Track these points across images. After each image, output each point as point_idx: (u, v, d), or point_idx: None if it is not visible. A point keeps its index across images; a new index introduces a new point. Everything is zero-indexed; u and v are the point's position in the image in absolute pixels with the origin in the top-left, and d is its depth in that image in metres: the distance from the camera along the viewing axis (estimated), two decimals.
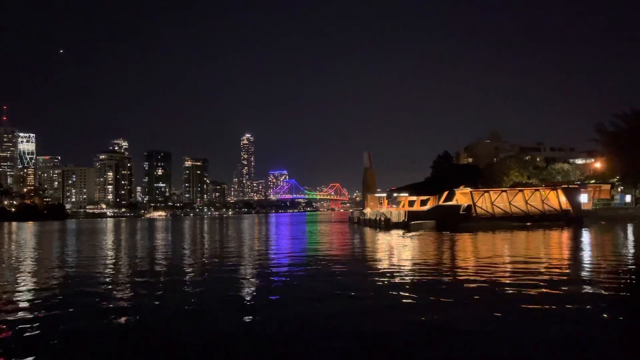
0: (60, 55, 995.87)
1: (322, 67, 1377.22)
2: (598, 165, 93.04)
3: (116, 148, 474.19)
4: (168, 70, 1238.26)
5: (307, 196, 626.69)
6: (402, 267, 23.20)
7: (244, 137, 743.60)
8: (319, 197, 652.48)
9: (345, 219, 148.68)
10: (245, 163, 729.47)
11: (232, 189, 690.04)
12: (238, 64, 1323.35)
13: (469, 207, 62.47)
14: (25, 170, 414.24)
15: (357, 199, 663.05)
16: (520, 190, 65.82)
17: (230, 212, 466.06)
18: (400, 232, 53.31)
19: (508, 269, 21.68)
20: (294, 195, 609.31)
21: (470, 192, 64.27)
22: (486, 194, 64.44)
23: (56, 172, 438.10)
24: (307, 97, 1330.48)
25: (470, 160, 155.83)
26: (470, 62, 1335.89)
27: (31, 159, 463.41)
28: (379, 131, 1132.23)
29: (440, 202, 64.99)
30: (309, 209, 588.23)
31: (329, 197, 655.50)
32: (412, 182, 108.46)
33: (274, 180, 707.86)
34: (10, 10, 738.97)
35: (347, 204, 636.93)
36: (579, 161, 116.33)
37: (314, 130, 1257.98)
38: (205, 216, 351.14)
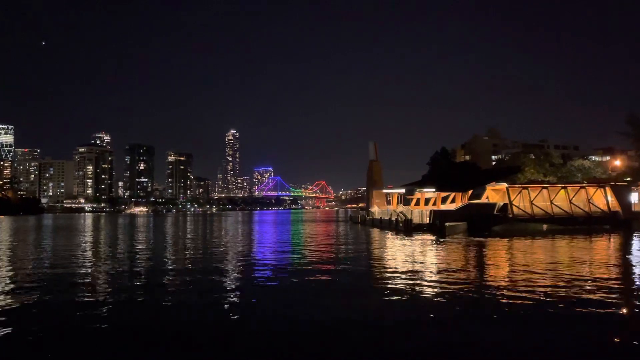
0: (42, 46, 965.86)
1: (310, 63, 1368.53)
2: (618, 163, 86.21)
3: (98, 142, 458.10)
4: (153, 63, 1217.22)
5: (292, 194, 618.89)
6: None
7: (229, 133, 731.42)
8: (304, 194, 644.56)
9: (332, 218, 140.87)
10: (230, 159, 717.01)
11: (217, 185, 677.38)
12: (224, 59, 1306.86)
13: (504, 206, 53.95)
14: (1, 163, 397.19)
15: (343, 197, 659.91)
16: (563, 187, 57.64)
17: (214, 209, 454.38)
18: (428, 236, 43.68)
19: None
20: (279, 193, 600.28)
21: (507, 188, 55.76)
22: (524, 191, 56.02)
23: (33, 164, 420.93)
24: (293, 94, 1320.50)
25: (467, 157, 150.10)
26: (470, 59, 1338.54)
27: (9, 151, 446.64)
28: (369, 129, 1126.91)
29: (466, 200, 56.38)
30: (294, 206, 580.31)
31: (314, 195, 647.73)
32: (407, 181, 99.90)
33: (259, 177, 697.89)
34: None
35: (333, 202, 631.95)
36: (595, 158, 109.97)
37: (300, 128, 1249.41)
38: (188, 212, 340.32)
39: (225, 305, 15.80)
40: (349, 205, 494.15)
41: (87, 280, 21.23)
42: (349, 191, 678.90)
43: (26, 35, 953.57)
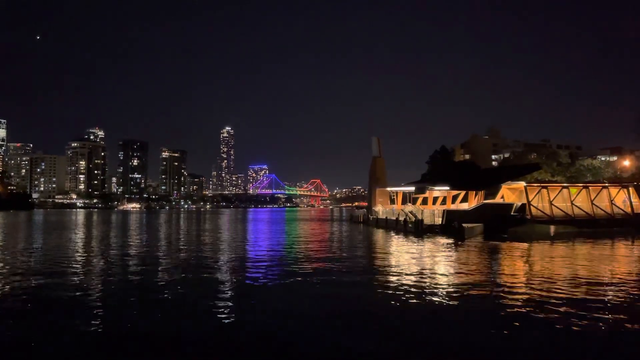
0: (37, 41, 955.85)
1: (309, 63, 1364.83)
2: (627, 163, 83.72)
3: (91, 137, 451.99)
4: (148, 59, 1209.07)
5: (287, 192, 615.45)
6: None
7: (224, 130, 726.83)
8: (299, 193, 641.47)
9: (329, 217, 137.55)
10: (225, 156, 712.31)
11: (211, 183, 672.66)
12: (221, 56, 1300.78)
13: (522, 206, 50.74)
14: None
15: (338, 195, 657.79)
16: (584, 187, 54.72)
17: (208, 206, 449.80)
18: (442, 239, 40.07)
19: None
20: (274, 191, 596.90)
21: (525, 187, 52.67)
22: (543, 191, 53.00)
23: (24, 159, 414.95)
24: (290, 92, 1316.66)
25: (467, 156, 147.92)
26: (470, 59, 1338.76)
27: (1, 145, 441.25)
28: (366, 128, 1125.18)
29: (481, 199, 52.99)
30: (288, 204, 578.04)
31: (309, 193, 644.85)
32: (405, 180, 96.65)
33: (254, 175, 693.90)
34: None
35: (328, 201, 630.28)
36: (602, 158, 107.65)
37: (296, 126, 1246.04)
38: (182, 209, 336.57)
39: (224, 306, 15.20)
40: (344, 204, 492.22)
41: (77, 281, 20.13)
42: (344, 190, 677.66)
43: (20, 29, 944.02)
